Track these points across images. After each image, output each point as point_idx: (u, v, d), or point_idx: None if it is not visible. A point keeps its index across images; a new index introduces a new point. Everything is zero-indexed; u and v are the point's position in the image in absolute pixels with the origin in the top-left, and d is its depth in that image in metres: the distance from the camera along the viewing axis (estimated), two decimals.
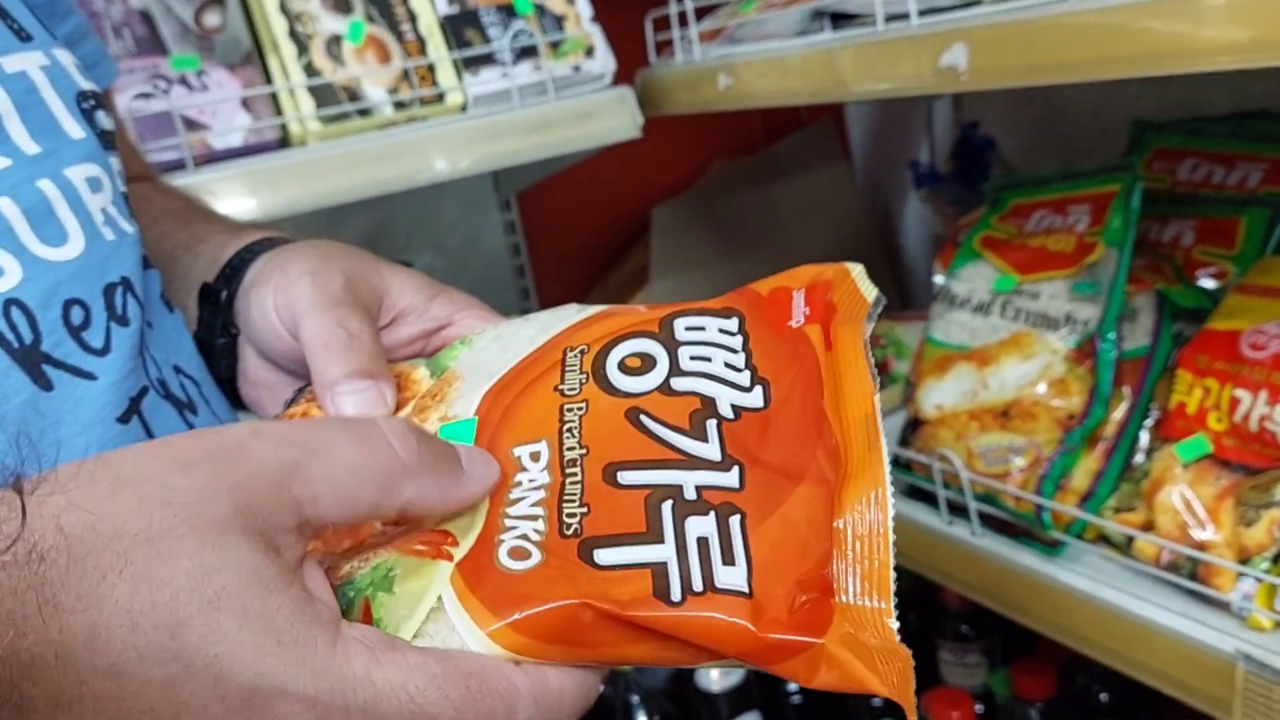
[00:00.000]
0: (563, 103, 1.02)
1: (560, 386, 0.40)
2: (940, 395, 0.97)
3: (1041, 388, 0.90)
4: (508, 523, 0.36)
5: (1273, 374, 0.79)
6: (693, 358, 0.40)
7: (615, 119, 1.03)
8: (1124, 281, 0.86)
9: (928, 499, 0.99)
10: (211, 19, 1.03)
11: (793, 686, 1.26)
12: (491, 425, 0.39)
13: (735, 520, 0.35)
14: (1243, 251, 0.90)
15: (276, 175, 0.95)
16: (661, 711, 1.17)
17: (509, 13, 1.05)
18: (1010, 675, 1.13)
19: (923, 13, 0.83)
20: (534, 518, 0.36)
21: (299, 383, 0.47)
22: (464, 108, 1.02)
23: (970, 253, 1.01)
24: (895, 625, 0.34)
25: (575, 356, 0.41)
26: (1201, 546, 0.78)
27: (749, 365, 0.40)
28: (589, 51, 1.05)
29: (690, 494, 0.35)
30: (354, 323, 0.43)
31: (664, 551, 0.34)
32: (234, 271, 0.51)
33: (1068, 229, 0.94)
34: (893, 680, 0.32)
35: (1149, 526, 0.82)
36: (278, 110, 0.99)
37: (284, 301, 0.46)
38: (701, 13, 1.13)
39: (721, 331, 0.41)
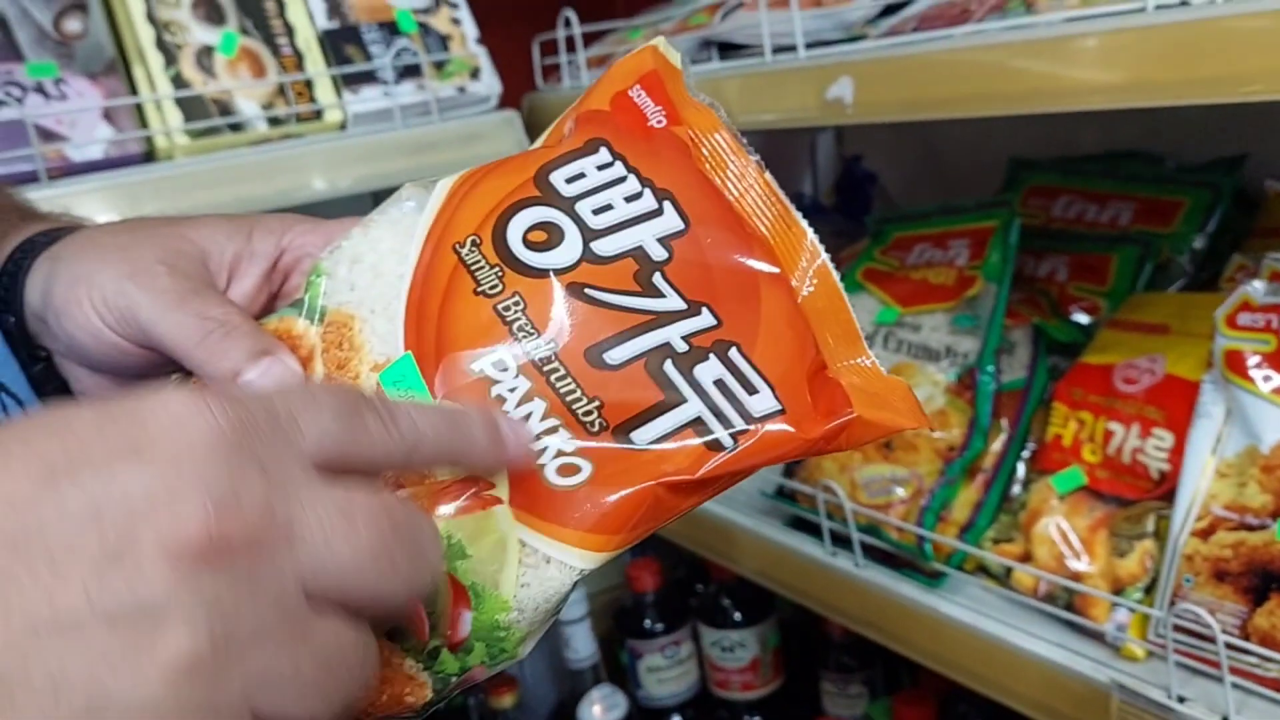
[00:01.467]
0: (447, 124, 1.00)
1: (480, 289, 0.38)
2: None
3: None
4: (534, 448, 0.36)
5: (1145, 408, 0.81)
6: (594, 211, 0.39)
7: (501, 142, 1.01)
8: (1002, 315, 0.87)
9: (812, 530, 0.99)
10: (72, 25, 0.98)
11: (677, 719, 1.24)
12: (429, 354, 0.37)
13: (734, 352, 0.37)
14: (1114, 288, 0.92)
15: (139, 190, 0.90)
16: None
17: (392, 30, 1.02)
18: (891, 706, 1.14)
19: (809, 46, 0.84)
20: (553, 430, 0.36)
21: (144, 384, 0.43)
22: (343, 126, 0.99)
23: (853, 284, 1.02)
24: (875, 362, 0.38)
25: (471, 250, 0.39)
26: (1077, 577, 0.79)
27: (645, 185, 0.39)
28: (474, 73, 1.03)
29: (681, 346, 0.37)
30: (213, 309, 0.40)
31: (693, 408, 0.36)
32: (18, 265, 0.44)
33: (948, 263, 0.95)
34: (911, 411, 0.37)
35: (1027, 557, 0.83)
36: (143, 123, 0.94)
37: (117, 318, 0.41)
38: (589, 38, 1.11)
39: (600, 169, 0.40)
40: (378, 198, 1.45)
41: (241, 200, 0.93)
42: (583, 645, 1.11)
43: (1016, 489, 0.89)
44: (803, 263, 0.38)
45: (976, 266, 0.91)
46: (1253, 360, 0.73)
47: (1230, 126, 1.01)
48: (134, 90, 0.95)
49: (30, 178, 0.89)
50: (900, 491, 0.90)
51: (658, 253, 0.38)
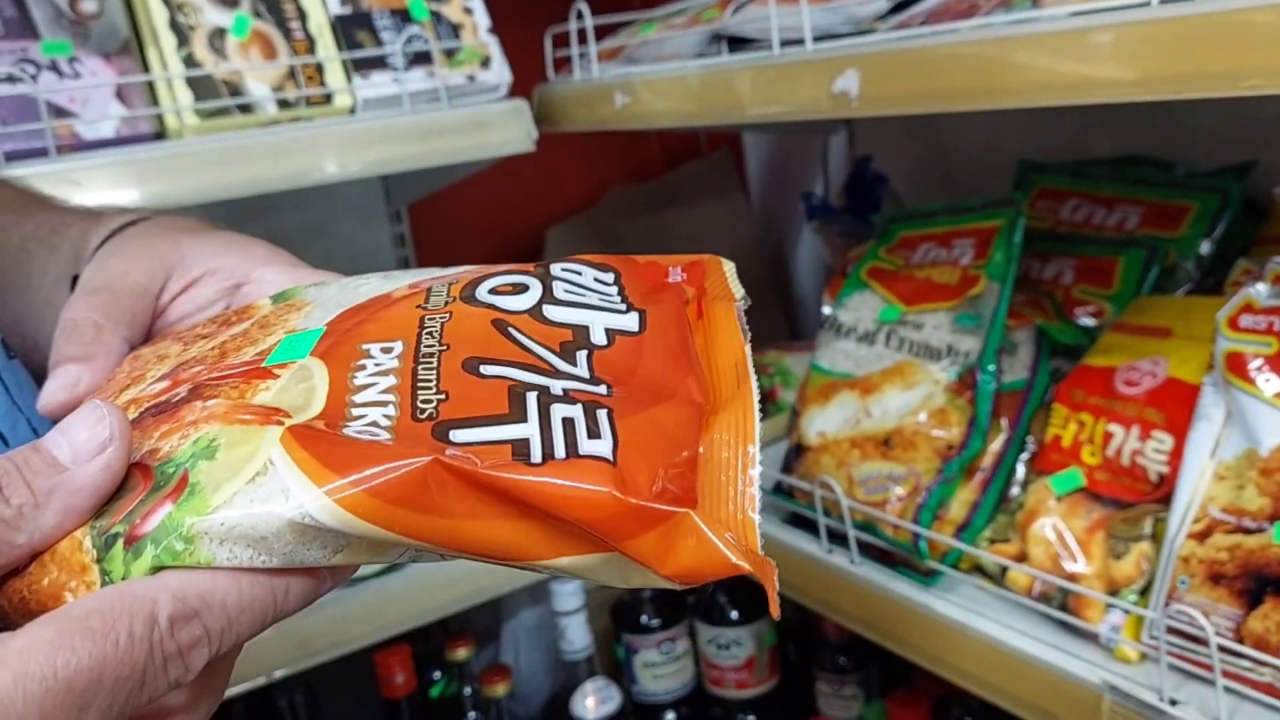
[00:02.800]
0: (456, 111, 1.00)
1: (423, 304, 0.38)
2: (823, 423, 0.97)
3: (922, 417, 0.90)
4: (355, 411, 0.33)
5: (1145, 410, 0.81)
6: (567, 290, 0.39)
7: (509, 131, 1.01)
8: (1005, 314, 0.87)
9: (809, 526, 0.98)
10: (88, 5, 0.98)
11: (669, 717, 1.24)
12: (339, 332, 0.37)
13: (603, 412, 0.34)
14: (1119, 291, 0.92)
15: (148, 167, 0.91)
16: None
17: (404, 17, 1.02)
18: (885, 707, 1.13)
19: (817, 39, 0.84)
20: (384, 404, 0.34)
21: None
22: (352, 110, 0.99)
23: (857, 282, 1.02)
24: (760, 542, 0.32)
25: (441, 287, 0.40)
26: (1072, 578, 0.78)
27: (624, 298, 0.39)
28: (485, 62, 1.03)
29: (557, 391, 0.34)
30: (97, 313, 0.44)
31: (527, 429, 0.32)
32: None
33: (952, 262, 0.95)
34: (743, 556, 0.31)
35: (1023, 558, 0.82)
36: (154, 103, 0.94)
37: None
38: (602, 32, 1.12)
39: (598, 280, 0.40)
40: (388, 189, 1.45)
41: (250, 181, 0.93)
42: (578, 637, 1.10)
43: (1015, 489, 0.89)
44: (732, 416, 0.35)
45: (980, 265, 0.91)
46: (1254, 363, 0.72)
47: (1240, 133, 1.01)
48: (147, 71, 0.95)
49: (40, 153, 0.90)
50: (898, 489, 0.90)
51: (598, 338, 0.37)
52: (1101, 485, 0.81)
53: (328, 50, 0.99)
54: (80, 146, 0.93)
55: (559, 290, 0.39)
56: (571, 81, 1.11)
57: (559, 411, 0.33)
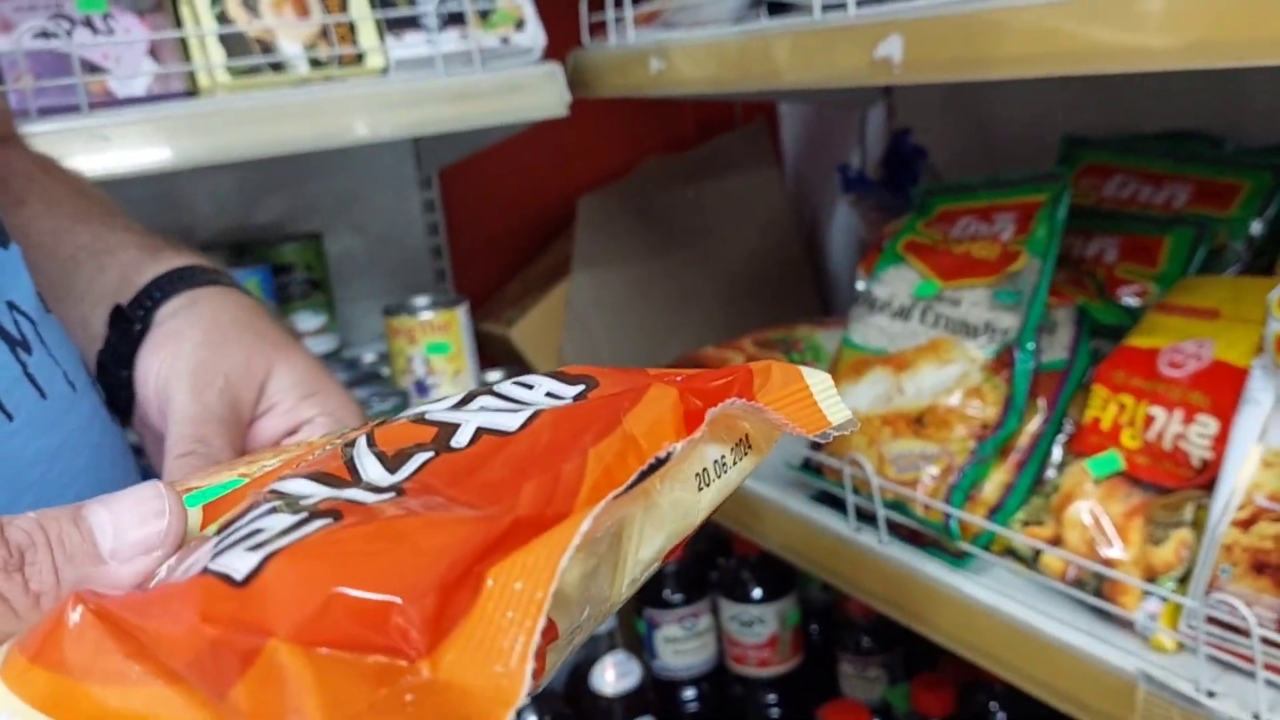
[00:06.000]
0: (489, 74, 0.98)
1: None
2: (855, 399, 0.95)
3: (957, 396, 0.88)
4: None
5: (1189, 393, 0.78)
6: (504, 391, 0.35)
7: (542, 95, 0.99)
8: (1045, 291, 0.85)
9: (838, 505, 0.97)
10: None
11: (689, 693, 1.23)
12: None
13: (319, 522, 0.27)
14: (1165, 271, 0.89)
15: (178, 124, 0.90)
16: (554, 713, 1.13)
17: None
18: (909, 690, 1.12)
19: (860, 3, 0.81)
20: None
21: None
22: (384, 71, 0.98)
23: (893, 256, 1.00)
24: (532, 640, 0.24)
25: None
26: (1108, 564, 0.76)
27: (576, 384, 0.35)
28: (519, 24, 1.02)
29: (308, 503, 0.29)
30: (216, 440, 0.44)
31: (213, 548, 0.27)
32: (151, 305, 0.50)
33: (993, 237, 0.92)
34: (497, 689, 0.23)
35: (1057, 541, 0.80)
36: (187, 60, 0.94)
37: (164, 386, 0.46)
38: None
39: (551, 395, 0.35)
40: (419, 154, 1.44)
41: (280, 140, 0.92)
42: None
43: (1051, 472, 0.87)
44: (550, 543, 0.27)
45: (1021, 240, 0.89)
46: None
47: None
48: (180, 28, 0.94)
49: (72, 109, 0.90)
50: (930, 468, 0.88)
51: (460, 439, 0.32)
52: (1141, 469, 0.79)
53: (361, 9, 0.98)
54: (112, 103, 0.92)
55: (490, 395, 0.35)
56: (606, 46, 1.09)
57: (259, 524, 0.27)
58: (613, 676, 1.10)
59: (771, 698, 1.23)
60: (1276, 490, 0.69)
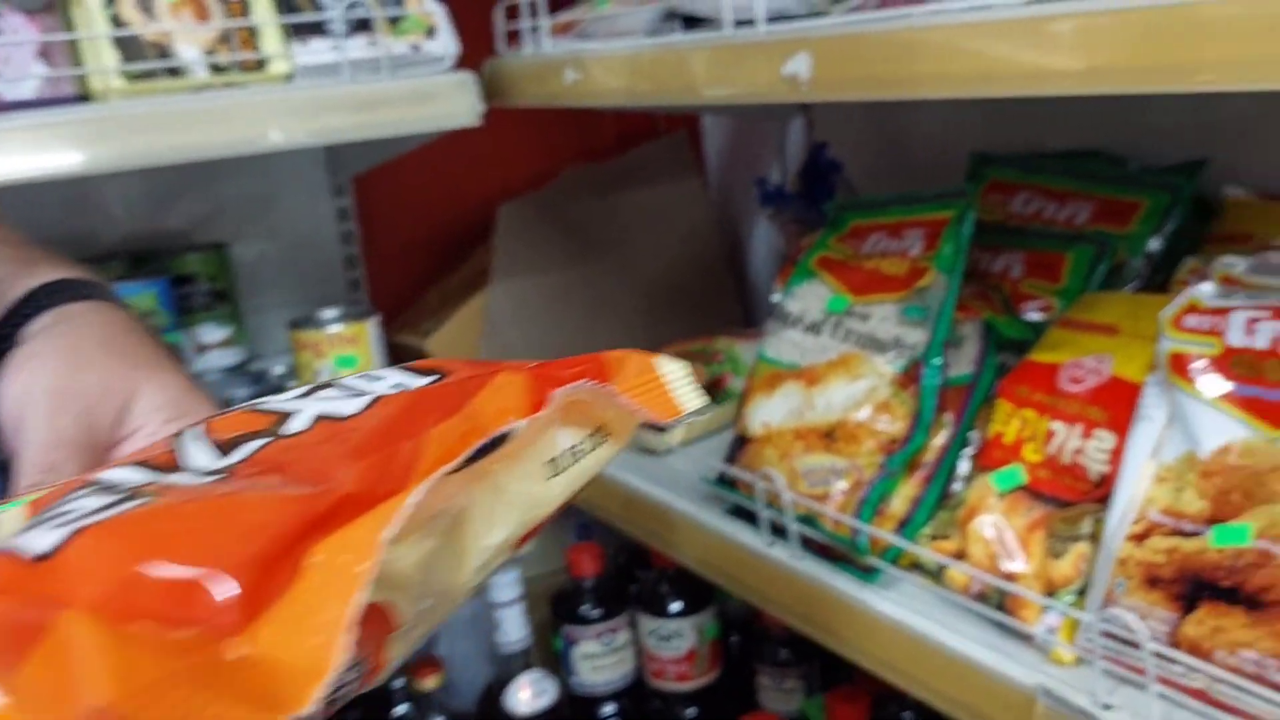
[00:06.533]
0: (398, 82, 0.96)
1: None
2: (768, 413, 0.95)
3: (866, 410, 0.89)
4: None
5: (1088, 408, 0.79)
6: (341, 386, 0.34)
7: (454, 104, 0.98)
8: (952, 307, 0.85)
9: (752, 519, 0.97)
10: None
11: (607, 710, 1.22)
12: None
13: (134, 501, 0.27)
14: (1067, 286, 0.91)
15: (72, 130, 0.87)
16: None
17: None
18: (825, 702, 1.12)
19: (772, 20, 0.81)
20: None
21: None
22: (289, 78, 0.96)
23: (806, 272, 1.00)
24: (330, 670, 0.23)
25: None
26: (1011, 577, 0.77)
27: (426, 376, 0.34)
28: (430, 32, 1.00)
29: (126, 486, 0.29)
30: (67, 467, 0.43)
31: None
32: (19, 322, 0.48)
33: (902, 253, 0.93)
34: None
35: (962, 555, 0.81)
36: (78, 63, 0.90)
37: (19, 409, 0.44)
38: (558, 5, 1.09)
39: (397, 385, 0.35)
40: (331, 160, 1.41)
41: (177, 148, 0.90)
42: (514, 629, 1.08)
43: (958, 485, 0.88)
44: (371, 520, 0.27)
45: (929, 257, 0.89)
46: (1197, 364, 0.71)
47: (1196, 131, 1.00)
48: (71, 29, 0.91)
49: None
50: (840, 483, 0.88)
51: (297, 425, 0.32)
52: (1043, 483, 0.80)
53: (264, 14, 0.96)
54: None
55: (334, 386, 0.34)
56: (522, 56, 1.08)
57: (73, 506, 0.27)
58: (527, 696, 1.09)
59: (690, 712, 1.23)
60: (1169, 505, 0.70)
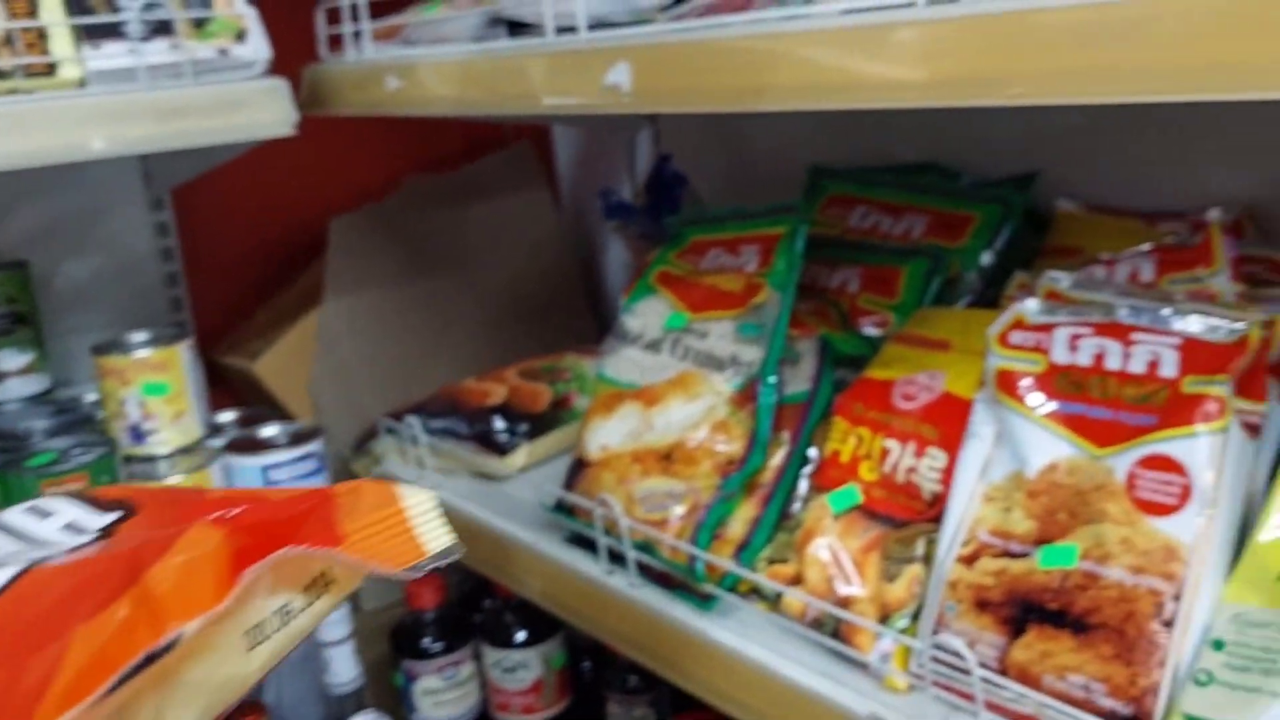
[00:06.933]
0: (202, 89, 0.90)
1: None
2: (606, 435, 0.92)
3: (704, 430, 0.86)
4: None
5: (920, 426, 0.78)
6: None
7: (266, 112, 0.92)
8: (785, 324, 0.83)
9: (592, 547, 0.93)
10: None
11: None
12: None
13: None
14: (903, 301, 0.90)
15: None
16: None
17: None
18: None
19: (597, 27, 0.78)
20: None
21: None
22: (81, 83, 0.88)
23: (646, 288, 0.97)
24: None
25: None
26: (846, 601, 0.75)
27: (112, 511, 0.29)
28: (240, 35, 0.93)
29: None
30: None
31: None
32: None
33: (738, 269, 0.91)
34: None
35: (799, 579, 0.79)
36: None
37: None
38: (385, 9, 1.03)
39: (71, 527, 0.30)
40: (148, 171, 1.31)
41: None
42: (344, 669, 1.02)
43: (797, 506, 0.85)
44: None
45: (764, 274, 0.87)
46: (1024, 381, 0.70)
47: (1031, 143, 1.00)
48: None
49: None
50: (677, 507, 0.85)
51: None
52: (878, 503, 0.78)
53: (53, 14, 0.88)
54: None
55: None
56: (344, 62, 1.03)
57: None
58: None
59: None
60: (997, 525, 0.69)
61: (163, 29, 0.90)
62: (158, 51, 0.89)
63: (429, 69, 0.90)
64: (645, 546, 0.86)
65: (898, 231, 0.95)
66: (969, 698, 0.66)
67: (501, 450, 1.08)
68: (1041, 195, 0.95)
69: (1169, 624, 0.62)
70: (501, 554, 1.01)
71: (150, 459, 0.99)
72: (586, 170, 1.62)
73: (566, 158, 1.64)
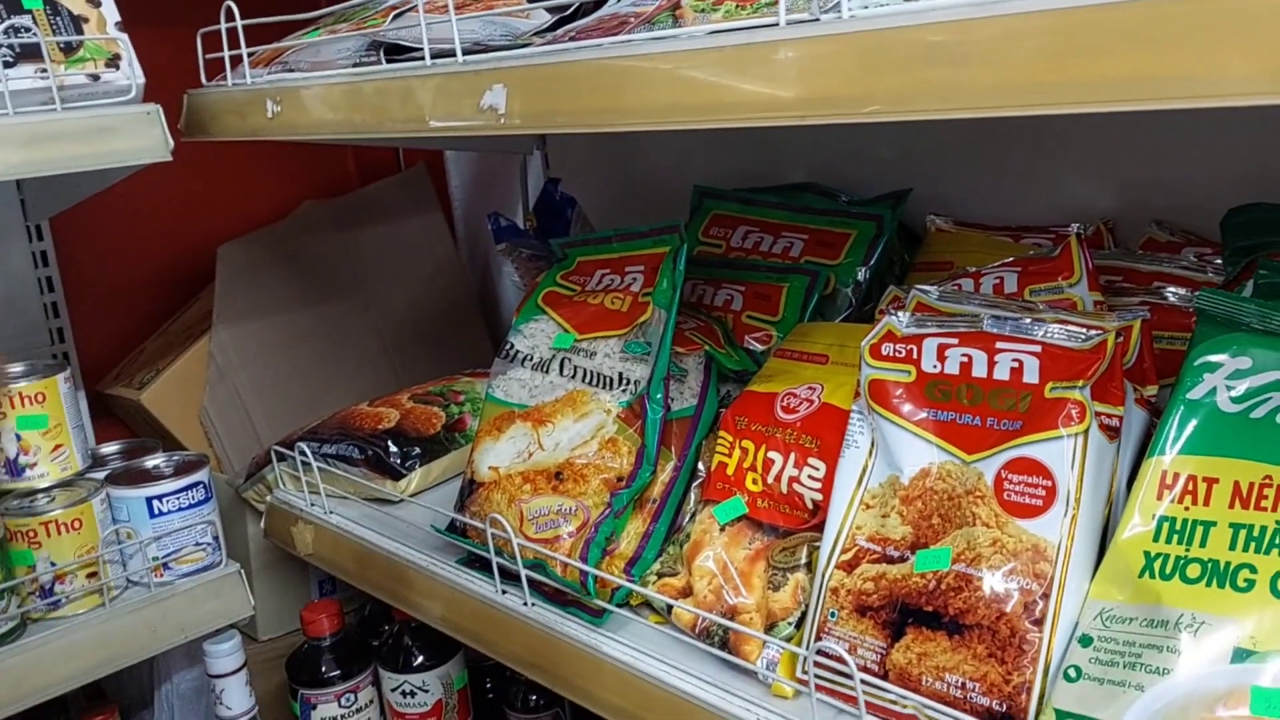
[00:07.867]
0: (72, 115, 0.88)
1: None
2: (496, 456, 0.92)
3: (593, 448, 0.87)
4: None
5: (801, 436, 0.80)
6: None
7: (140, 139, 0.90)
8: (670, 342, 0.85)
9: (487, 567, 0.93)
10: None
11: None
12: None
13: None
14: (785, 317, 0.92)
15: None
16: None
17: (13, 5, 0.89)
18: None
19: (468, 51, 0.78)
20: None
21: None
22: None
23: (534, 309, 0.98)
24: None
25: None
26: (734, 611, 0.76)
27: None
28: (112, 61, 0.92)
29: None
30: None
31: None
32: None
33: (624, 289, 0.92)
34: None
35: (689, 591, 0.80)
36: None
37: None
38: (265, 35, 1.02)
39: None
40: (23, 189, 1.27)
41: None
42: (237, 701, 1.00)
43: (687, 519, 0.87)
44: None
45: (649, 293, 0.88)
46: (895, 391, 0.73)
47: (907, 161, 1.04)
48: None
49: None
50: (567, 525, 0.86)
51: None
52: (763, 513, 0.80)
53: None
54: None
55: None
56: (224, 88, 1.01)
57: None
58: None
59: None
60: (875, 531, 0.71)
61: (30, 54, 0.88)
62: (25, 77, 0.87)
63: (310, 94, 0.90)
64: (538, 565, 0.86)
65: (778, 250, 0.97)
66: (852, 701, 0.67)
67: (395, 474, 1.08)
68: (915, 212, 0.98)
69: (1039, 622, 0.64)
70: (397, 578, 1.00)
71: (29, 493, 0.96)
72: (480, 194, 1.63)
73: (460, 181, 1.64)
